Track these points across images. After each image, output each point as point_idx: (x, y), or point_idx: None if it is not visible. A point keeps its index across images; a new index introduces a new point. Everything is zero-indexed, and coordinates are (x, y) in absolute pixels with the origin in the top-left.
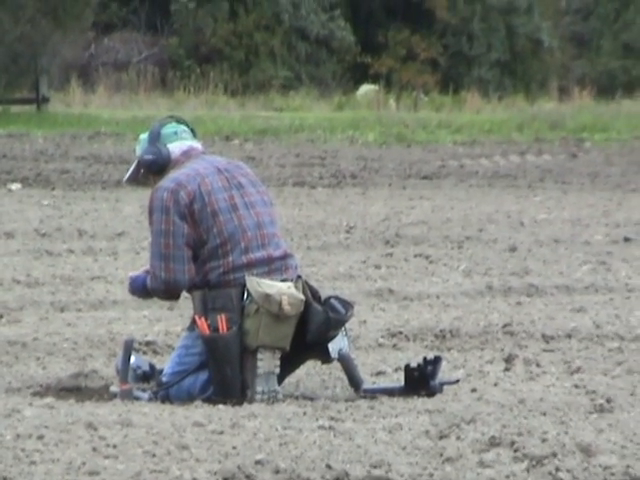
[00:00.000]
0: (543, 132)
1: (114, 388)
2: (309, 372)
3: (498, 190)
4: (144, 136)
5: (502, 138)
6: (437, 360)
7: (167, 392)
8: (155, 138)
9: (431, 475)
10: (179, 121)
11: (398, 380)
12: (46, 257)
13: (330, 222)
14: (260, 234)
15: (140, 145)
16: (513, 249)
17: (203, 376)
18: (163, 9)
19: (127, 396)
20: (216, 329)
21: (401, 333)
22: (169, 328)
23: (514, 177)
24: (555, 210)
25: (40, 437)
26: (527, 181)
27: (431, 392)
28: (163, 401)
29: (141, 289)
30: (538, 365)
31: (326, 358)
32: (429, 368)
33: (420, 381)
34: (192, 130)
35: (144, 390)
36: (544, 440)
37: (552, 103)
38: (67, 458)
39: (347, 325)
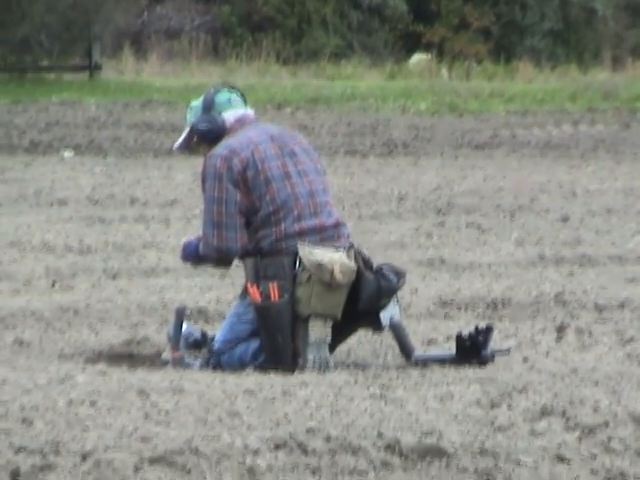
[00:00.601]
0: (596, 102)
1: (166, 355)
2: (360, 340)
3: (550, 160)
4: (196, 103)
5: (555, 108)
6: (489, 329)
7: (219, 360)
8: (209, 106)
9: (482, 444)
10: (231, 88)
11: (449, 349)
12: (98, 224)
13: (382, 191)
14: (312, 202)
15: (192, 113)
16: (565, 219)
17: (255, 344)
18: None
19: (179, 363)
20: (268, 297)
21: (452, 302)
22: (221, 296)
23: (567, 147)
24: (608, 180)
25: (93, 403)
26: (580, 151)
27: (483, 361)
28: (214, 368)
29: (193, 256)
30: (590, 335)
31: (377, 326)
32: (481, 337)
33: (472, 350)
34: (243, 97)
35: (196, 357)
36: (596, 409)
37: (605, 73)
38: (119, 424)
39: (398, 294)
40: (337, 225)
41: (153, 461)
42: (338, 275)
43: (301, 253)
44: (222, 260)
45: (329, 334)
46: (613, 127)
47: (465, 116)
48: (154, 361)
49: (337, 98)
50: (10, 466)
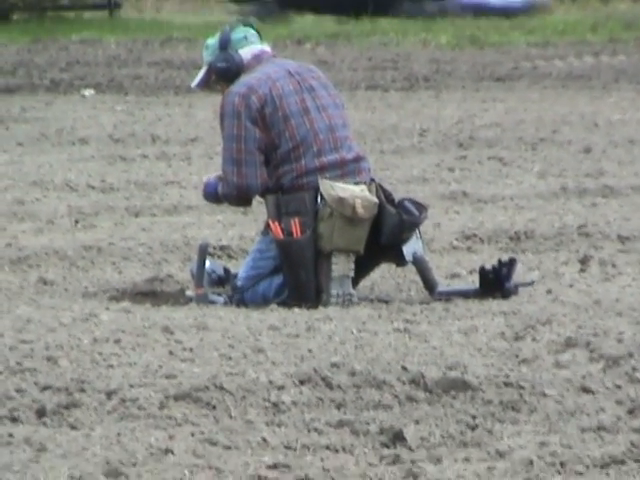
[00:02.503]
0: (617, 32)
1: (189, 292)
2: (383, 275)
3: (572, 91)
4: (212, 41)
5: (576, 39)
6: (512, 262)
7: (242, 296)
8: (226, 44)
9: (507, 376)
10: (247, 25)
11: (473, 282)
12: (120, 162)
13: (403, 125)
14: (332, 137)
15: (209, 51)
16: (588, 150)
17: (278, 280)
18: None
19: (202, 300)
20: (290, 233)
21: (475, 235)
22: (243, 232)
23: (588, 78)
24: (630, 111)
25: (117, 341)
26: (601, 82)
27: (506, 294)
28: (238, 305)
29: (214, 194)
30: (614, 266)
31: (400, 261)
32: (504, 270)
33: (495, 283)
34: (259, 33)
35: (219, 294)
36: (620, 340)
37: (626, 3)
38: (144, 361)
39: (421, 228)
40: (358, 159)
41: (178, 398)
42: (360, 209)
43: (322, 188)
44: (242, 198)
45: (352, 269)
46: (635, 57)
47: (486, 49)
48: (178, 298)
49: (357, 33)
50: (36, 404)
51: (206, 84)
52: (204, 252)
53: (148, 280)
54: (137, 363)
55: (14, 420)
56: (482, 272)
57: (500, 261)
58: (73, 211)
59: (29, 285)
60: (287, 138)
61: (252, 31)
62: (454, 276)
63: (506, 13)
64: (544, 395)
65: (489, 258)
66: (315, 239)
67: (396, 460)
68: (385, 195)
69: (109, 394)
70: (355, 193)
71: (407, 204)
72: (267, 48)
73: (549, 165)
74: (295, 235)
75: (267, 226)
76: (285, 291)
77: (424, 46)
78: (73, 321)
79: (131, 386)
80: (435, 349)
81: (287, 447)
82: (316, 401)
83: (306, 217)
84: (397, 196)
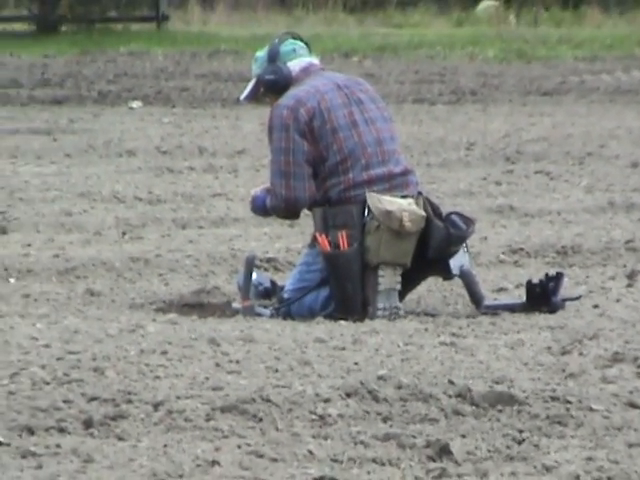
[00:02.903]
0: None
1: (236, 304)
2: (430, 288)
3: (620, 106)
4: (261, 54)
5: (624, 53)
6: (559, 276)
7: (288, 308)
8: (274, 57)
9: (554, 391)
10: (295, 37)
11: (520, 296)
12: (167, 174)
13: (450, 139)
14: (380, 150)
15: (258, 63)
16: (635, 165)
17: (324, 292)
18: None
19: (249, 312)
20: (337, 246)
21: (522, 249)
22: (290, 245)
23: (636, 92)
24: None
25: (164, 352)
26: None
27: (553, 308)
28: (284, 317)
29: (262, 208)
30: None
31: (447, 274)
32: (551, 284)
33: (542, 297)
34: (307, 45)
35: (266, 306)
36: None
37: None
38: (191, 373)
39: (468, 241)
40: (405, 173)
41: (225, 410)
42: (407, 223)
43: (369, 201)
44: (290, 211)
45: (399, 282)
46: None
47: (533, 63)
48: (224, 310)
49: (404, 46)
50: (83, 415)
51: (255, 97)
52: (251, 264)
53: (195, 292)
54: (184, 375)
55: (61, 431)
56: (529, 286)
57: (547, 275)
58: (120, 223)
59: (76, 296)
60: (335, 151)
61: (301, 44)
62: (501, 290)
63: None
64: (591, 410)
65: (536, 272)
66: (362, 252)
67: (442, 474)
68: (432, 208)
69: (156, 405)
70: (402, 206)
71: (454, 218)
72: (316, 61)
73: (596, 180)
74: (342, 248)
75: (314, 239)
76: (332, 304)
77: (471, 59)
78: (120, 332)
79: (178, 398)
80: (482, 363)
81: (333, 460)
82: (362, 414)
83: (353, 230)
84: (444, 210)
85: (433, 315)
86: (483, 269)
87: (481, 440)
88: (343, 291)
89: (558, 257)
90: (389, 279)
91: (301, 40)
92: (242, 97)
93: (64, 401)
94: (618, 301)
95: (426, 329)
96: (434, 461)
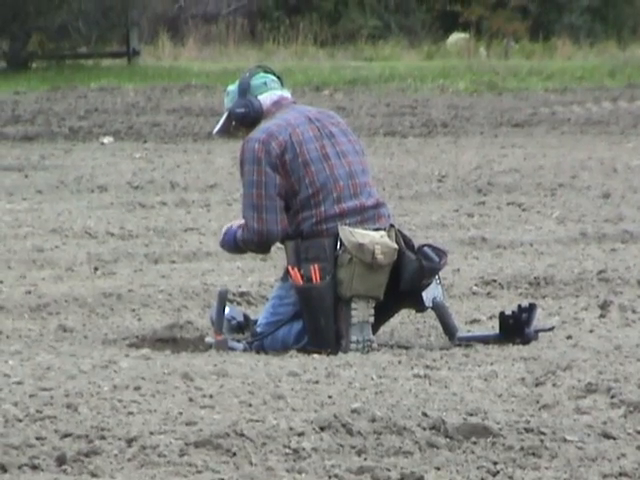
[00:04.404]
0: (636, 78)
1: (209, 339)
2: (403, 321)
3: (591, 137)
4: (233, 88)
5: (594, 85)
6: (532, 307)
7: (262, 342)
8: (245, 90)
9: (527, 422)
10: (267, 71)
11: (493, 328)
12: (139, 209)
13: (422, 171)
14: (352, 183)
15: (229, 97)
16: (607, 196)
17: (297, 326)
18: None
19: (222, 347)
20: (309, 279)
21: (495, 281)
22: (262, 279)
23: (606, 123)
24: None
25: (137, 388)
26: (620, 127)
27: (526, 339)
28: (258, 351)
29: (232, 241)
30: (634, 311)
31: (420, 307)
32: (524, 316)
33: (515, 329)
34: (279, 79)
35: (239, 341)
36: None
37: None
38: (164, 408)
39: (441, 273)
40: (377, 205)
41: (198, 445)
42: (379, 256)
43: (342, 234)
44: (263, 244)
45: (372, 315)
46: None
47: (504, 94)
48: (197, 345)
49: (375, 79)
50: (56, 452)
51: (227, 130)
52: (223, 299)
53: (168, 327)
54: (157, 410)
55: (34, 468)
56: (502, 318)
57: (520, 307)
58: (92, 258)
59: (49, 332)
60: (307, 184)
61: (272, 77)
62: (474, 322)
63: None
64: (565, 441)
65: (509, 304)
66: (335, 285)
67: None
68: (405, 241)
69: (129, 441)
70: (375, 239)
71: (427, 250)
72: (287, 94)
73: (568, 211)
74: (315, 281)
75: (286, 272)
76: (305, 337)
77: (442, 92)
78: (93, 368)
79: (151, 433)
80: (455, 395)
81: None
82: (337, 447)
83: (325, 263)
84: (416, 242)
85: (406, 347)
86: (456, 301)
87: (456, 472)
88: (316, 324)
89: (531, 288)
90: (362, 312)
91: (273, 73)
92: (214, 131)
93: (37, 438)
94: (591, 332)
95: (400, 361)
96: None
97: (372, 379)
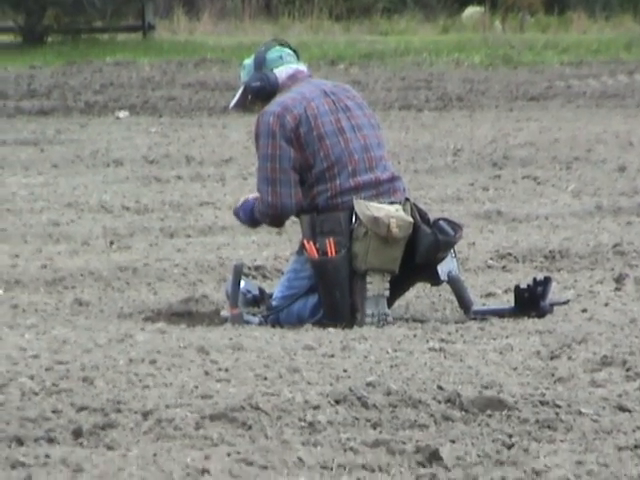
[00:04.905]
0: None
1: (225, 313)
2: (419, 294)
3: (606, 110)
4: (249, 62)
5: (610, 58)
6: (547, 281)
7: (277, 316)
8: (261, 64)
9: (543, 395)
10: (283, 44)
11: (508, 301)
12: (155, 184)
13: (437, 145)
14: (367, 157)
15: (245, 71)
16: (622, 169)
17: (313, 299)
18: None
19: (238, 320)
20: (325, 253)
21: (510, 254)
22: (278, 252)
23: (622, 97)
24: None
25: (153, 361)
26: (635, 100)
27: (541, 313)
28: (273, 325)
29: (249, 214)
30: None
31: (435, 280)
32: (539, 289)
33: (530, 302)
34: (295, 52)
35: (254, 314)
36: None
37: None
38: (180, 382)
39: (456, 247)
40: (392, 179)
41: (214, 418)
42: (394, 229)
43: (357, 208)
44: (277, 217)
45: (387, 288)
46: None
47: (519, 68)
48: (213, 319)
49: (391, 53)
50: (72, 425)
51: (243, 104)
52: (239, 272)
53: (183, 301)
54: (173, 383)
55: (50, 441)
56: (517, 291)
57: (535, 280)
58: (108, 232)
59: (65, 306)
60: (322, 158)
61: (288, 50)
62: (489, 295)
63: None
64: (580, 414)
65: (524, 277)
66: (350, 259)
67: (432, 479)
68: (420, 215)
69: (145, 415)
70: (390, 213)
71: (442, 224)
72: (303, 68)
73: (584, 184)
74: (330, 255)
75: (302, 246)
76: (320, 311)
77: (457, 66)
78: (109, 342)
79: (167, 406)
80: (471, 368)
81: (323, 467)
82: (352, 420)
83: (341, 237)
84: (432, 216)
85: (422, 321)
86: (471, 274)
87: (471, 445)
88: (331, 298)
89: (546, 262)
90: (377, 285)
91: (289, 47)
92: (231, 105)
93: (53, 411)
94: (606, 305)
95: (415, 335)
96: (424, 467)
97: (387, 352)
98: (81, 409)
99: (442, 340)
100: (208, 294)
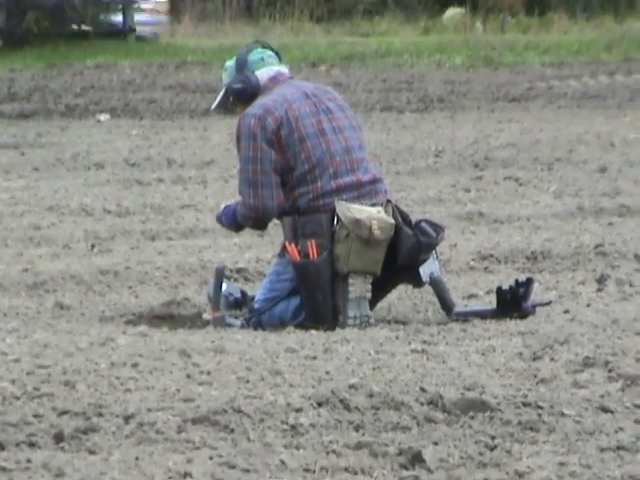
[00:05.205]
0: (632, 51)
1: (206, 315)
2: (401, 296)
3: (587, 111)
4: (230, 63)
5: (591, 59)
6: (529, 282)
7: (259, 319)
8: (242, 65)
9: (525, 396)
10: (264, 46)
11: (490, 303)
12: (136, 186)
13: (418, 146)
14: (349, 159)
15: (227, 73)
16: (603, 170)
17: (295, 302)
18: None
19: (219, 323)
20: (307, 255)
21: (492, 256)
22: (260, 255)
23: (603, 97)
24: None
25: (134, 365)
26: (617, 101)
27: (524, 314)
28: (255, 328)
29: (231, 218)
30: (631, 285)
31: (417, 282)
32: (521, 290)
33: (512, 303)
34: (277, 54)
35: (236, 317)
36: (638, 360)
37: None
38: (161, 385)
39: (438, 249)
40: (374, 181)
41: (196, 421)
42: (376, 231)
43: (338, 210)
44: (259, 220)
45: (369, 290)
46: None
47: (500, 69)
48: (195, 322)
49: (372, 55)
50: (54, 429)
51: (225, 106)
52: (221, 275)
53: (165, 304)
54: (155, 387)
55: (32, 445)
56: (499, 292)
57: (517, 281)
58: (89, 235)
59: (46, 310)
60: (303, 160)
61: (270, 52)
62: (471, 296)
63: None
64: (563, 415)
65: (506, 278)
66: (332, 261)
67: None
68: (402, 216)
69: (127, 418)
70: (372, 215)
71: (424, 225)
72: (285, 70)
73: (565, 185)
74: (312, 257)
75: (284, 248)
76: (302, 313)
77: (438, 67)
78: (90, 345)
79: (149, 410)
80: (453, 370)
81: (306, 470)
82: (334, 423)
83: (323, 239)
84: (413, 217)
85: (404, 323)
86: (453, 276)
87: (453, 447)
88: (314, 300)
89: (528, 263)
90: (359, 287)
91: (271, 49)
92: (212, 106)
93: (34, 415)
94: (588, 306)
95: (397, 337)
96: (407, 469)
97: (369, 354)
98: (62, 413)
99: (424, 342)
100: (190, 297)
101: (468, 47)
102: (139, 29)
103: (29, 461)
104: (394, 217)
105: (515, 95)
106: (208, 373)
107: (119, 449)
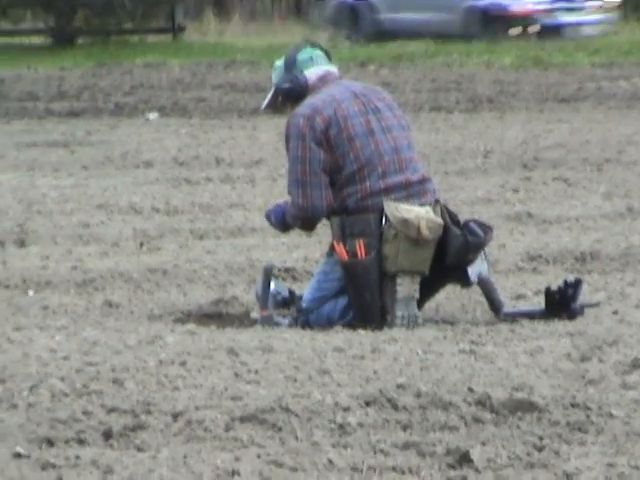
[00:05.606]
0: None
1: (254, 314)
2: (449, 296)
3: (637, 112)
4: (279, 63)
5: None
6: (578, 283)
7: (307, 318)
8: (291, 65)
9: (573, 397)
10: (314, 45)
11: (539, 303)
12: (184, 185)
13: (467, 146)
14: (397, 158)
15: (276, 72)
16: None
17: (342, 301)
18: None
19: (267, 322)
20: (355, 254)
21: (541, 256)
22: (308, 254)
23: None
24: None
25: (182, 363)
26: None
27: (572, 315)
28: (303, 327)
29: (280, 217)
30: None
31: (465, 282)
32: (570, 291)
33: (561, 304)
34: (327, 53)
35: (284, 316)
36: None
37: None
38: (210, 383)
39: (486, 249)
40: (423, 181)
41: (244, 419)
42: (424, 231)
43: (387, 210)
44: (308, 220)
45: (417, 290)
46: None
47: (550, 69)
48: (243, 320)
49: (421, 54)
50: (102, 426)
51: (274, 106)
52: (269, 274)
53: (213, 302)
54: (203, 385)
55: (81, 442)
56: (548, 293)
57: (566, 282)
58: (138, 234)
59: (95, 308)
60: (352, 159)
61: (319, 52)
62: (519, 297)
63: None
64: (611, 416)
65: (555, 279)
66: (380, 260)
67: None
68: (450, 216)
69: (175, 416)
70: (420, 214)
71: (472, 225)
72: (333, 69)
73: (614, 186)
74: (360, 256)
75: (332, 248)
76: (350, 313)
77: (487, 67)
78: (139, 343)
79: (197, 408)
80: (501, 370)
81: (353, 469)
82: (382, 422)
83: (371, 238)
84: (462, 217)
85: (452, 323)
86: (501, 276)
87: (501, 447)
88: (361, 300)
89: (577, 263)
90: (407, 287)
91: (320, 48)
92: (262, 106)
93: (83, 412)
94: (637, 307)
95: (445, 337)
96: (454, 469)
97: (417, 354)
98: (111, 410)
99: (472, 342)
100: (238, 296)
101: (518, 47)
102: (585, 29)
103: (78, 458)
104: (442, 217)
105: (564, 96)
106: (256, 372)
107: (167, 447)
